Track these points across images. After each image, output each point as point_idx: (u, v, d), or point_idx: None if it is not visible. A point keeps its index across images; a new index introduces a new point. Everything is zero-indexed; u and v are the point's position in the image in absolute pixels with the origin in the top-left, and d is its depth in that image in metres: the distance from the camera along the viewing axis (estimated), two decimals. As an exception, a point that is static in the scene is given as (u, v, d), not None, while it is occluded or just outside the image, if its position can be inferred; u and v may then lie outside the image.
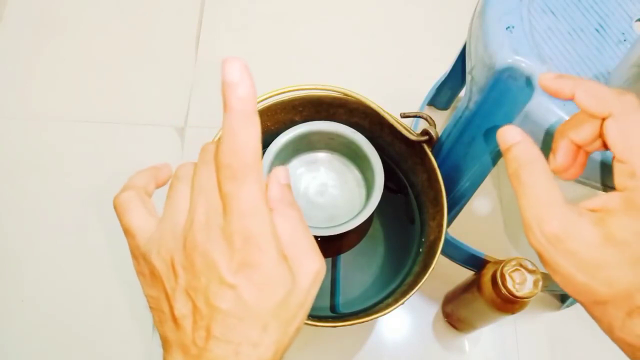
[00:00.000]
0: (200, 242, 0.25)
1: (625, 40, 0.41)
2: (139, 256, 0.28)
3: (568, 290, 0.29)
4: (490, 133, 0.44)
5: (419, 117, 0.53)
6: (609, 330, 0.28)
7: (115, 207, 0.28)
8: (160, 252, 0.27)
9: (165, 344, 0.27)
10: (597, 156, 0.37)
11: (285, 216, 0.27)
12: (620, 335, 0.27)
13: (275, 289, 0.26)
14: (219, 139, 0.24)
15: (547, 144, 0.39)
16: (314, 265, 0.27)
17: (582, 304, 0.29)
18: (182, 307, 0.26)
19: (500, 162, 0.42)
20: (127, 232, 0.28)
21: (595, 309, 0.28)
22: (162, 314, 0.27)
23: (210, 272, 0.25)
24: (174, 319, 0.26)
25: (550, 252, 0.28)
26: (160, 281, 0.27)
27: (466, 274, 0.59)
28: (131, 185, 0.29)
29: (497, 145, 0.43)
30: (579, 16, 0.41)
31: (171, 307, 0.26)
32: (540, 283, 0.47)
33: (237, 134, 0.23)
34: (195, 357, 0.26)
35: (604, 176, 0.38)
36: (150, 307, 0.28)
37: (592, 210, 0.28)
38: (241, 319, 0.25)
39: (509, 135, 0.30)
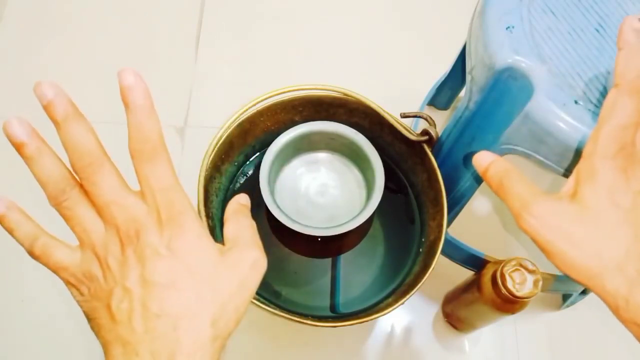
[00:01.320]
0: (132, 229, 0.28)
1: (625, 40, 0.41)
2: (77, 282, 0.29)
3: (566, 271, 0.30)
4: (489, 134, 0.44)
5: (419, 117, 0.53)
6: (617, 313, 0.29)
7: (38, 259, 0.30)
8: (96, 260, 0.28)
9: (105, 348, 0.28)
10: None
11: (235, 222, 0.33)
12: (626, 315, 0.28)
13: (205, 254, 0.29)
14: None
15: (547, 144, 0.39)
16: (253, 253, 0.31)
17: (584, 284, 0.30)
18: (119, 302, 0.27)
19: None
20: (59, 269, 0.29)
21: (596, 287, 0.29)
22: (101, 319, 0.28)
23: (144, 251, 0.27)
24: (112, 317, 0.27)
25: (540, 231, 0.30)
26: (100, 288, 0.28)
27: (466, 274, 0.59)
28: (36, 236, 0.31)
29: (496, 146, 0.44)
30: (579, 16, 0.41)
31: (109, 307, 0.28)
32: (540, 283, 0.47)
33: (144, 124, 0.27)
34: (135, 345, 0.26)
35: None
36: (90, 320, 0.29)
37: (567, 192, 0.31)
38: (177, 289, 0.27)
39: (484, 158, 0.34)
